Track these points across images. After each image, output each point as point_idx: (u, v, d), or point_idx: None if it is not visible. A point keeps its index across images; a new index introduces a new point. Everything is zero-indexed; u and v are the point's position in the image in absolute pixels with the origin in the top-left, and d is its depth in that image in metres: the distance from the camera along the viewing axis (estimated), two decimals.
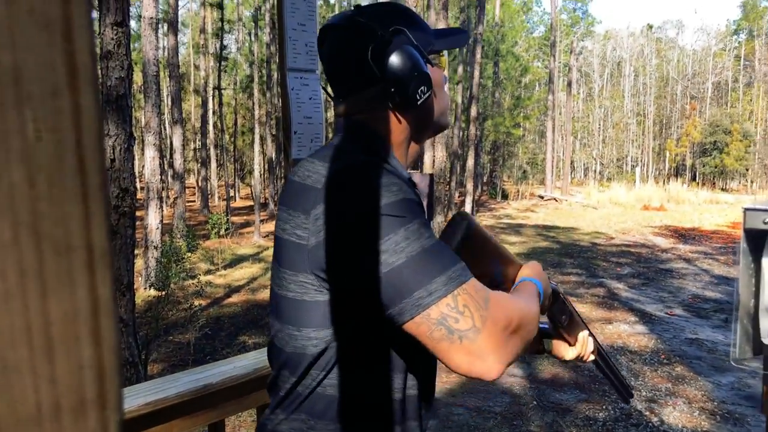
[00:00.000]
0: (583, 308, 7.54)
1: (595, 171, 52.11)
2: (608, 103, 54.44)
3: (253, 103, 19.62)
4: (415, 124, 1.05)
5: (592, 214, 20.24)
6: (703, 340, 6.23)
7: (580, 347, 1.31)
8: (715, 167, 42.80)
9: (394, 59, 0.98)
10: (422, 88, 0.99)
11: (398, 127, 1.03)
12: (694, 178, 45.70)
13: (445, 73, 1.13)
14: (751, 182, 43.75)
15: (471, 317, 0.82)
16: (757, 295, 1.09)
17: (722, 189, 41.41)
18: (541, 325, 1.33)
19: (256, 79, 19.97)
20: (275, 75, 21.71)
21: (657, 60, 57.13)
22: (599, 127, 53.18)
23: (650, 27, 61.06)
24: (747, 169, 43.45)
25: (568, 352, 1.32)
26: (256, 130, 18.59)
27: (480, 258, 1.14)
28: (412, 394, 1.00)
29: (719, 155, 42.31)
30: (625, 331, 6.54)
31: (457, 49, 25.83)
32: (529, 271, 1.15)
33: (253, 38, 22.54)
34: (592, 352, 1.34)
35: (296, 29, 1.65)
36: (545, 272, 1.19)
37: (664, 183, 36.14)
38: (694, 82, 55.48)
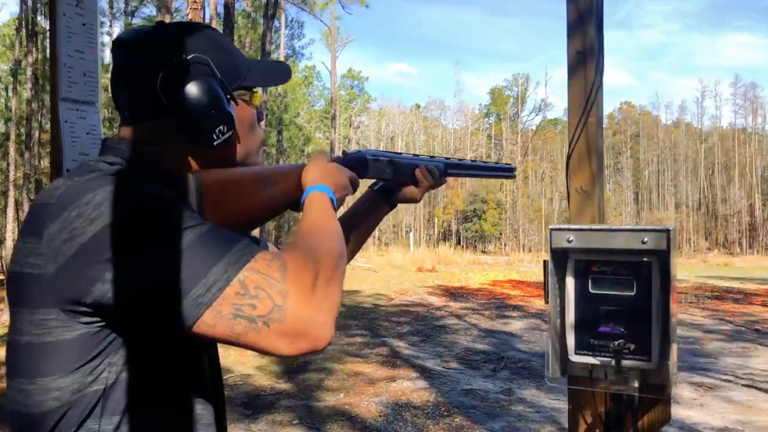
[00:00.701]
0: (368, 368, 7.68)
1: (374, 236, 54.96)
2: None
3: (8, 164, 17.35)
4: (213, 165, 0.94)
5: (373, 276, 21.10)
6: (476, 390, 6.69)
7: (423, 181, 1.27)
8: (476, 232, 48.17)
9: (188, 93, 0.85)
10: (221, 127, 0.88)
11: (192, 167, 0.92)
12: (459, 242, 50.48)
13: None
14: (505, 245, 49.65)
15: (268, 297, 0.72)
16: (563, 314, 1.16)
17: (482, 251, 46.40)
18: (375, 188, 1.31)
19: (12, 138, 17.73)
20: (36, 133, 19.57)
21: (424, 136, 63.11)
22: None
23: (418, 106, 67.63)
24: (501, 234, 49.48)
25: (416, 194, 1.29)
26: (11, 194, 16.39)
27: (240, 195, 1.00)
28: None
29: (479, 221, 47.74)
30: (408, 388, 6.77)
31: None
32: (313, 174, 1.01)
33: (11, 93, 20.17)
34: (443, 175, 1.32)
35: (72, 56, 1.47)
36: (332, 164, 1.06)
37: (434, 246, 39.30)
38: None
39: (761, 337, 9.74)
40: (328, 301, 0.76)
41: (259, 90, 1.01)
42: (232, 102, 0.91)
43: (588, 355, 1.13)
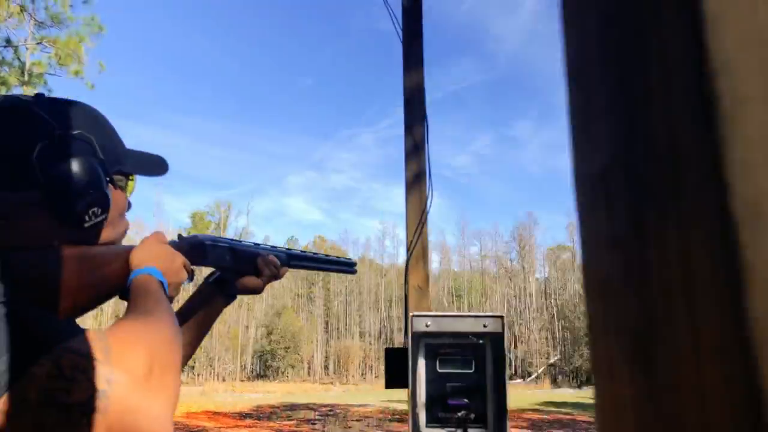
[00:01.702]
0: None
1: None
2: None
3: None
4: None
5: None
6: None
7: (266, 271, 1.21)
8: None
9: (68, 168, 0.81)
10: (95, 209, 0.84)
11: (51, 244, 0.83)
12: None
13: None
14: (198, 375, 47.23)
15: (88, 380, 0.60)
16: (414, 393, 1.27)
17: None
18: (209, 279, 1.20)
19: None
20: None
21: None
22: None
23: None
24: (195, 362, 47.08)
25: (258, 284, 1.21)
26: None
27: (64, 278, 0.85)
28: None
29: None
30: None
31: None
32: (141, 256, 0.91)
33: None
34: (285, 265, 1.26)
35: None
36: (164, 246, 0.96)
37: None
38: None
39: None
40: (165, 392, 0.67)
41: (135, 178, 1.00)
42: (110, 185, 0.89)
43: (437, 427, 1.27)
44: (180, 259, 0.99)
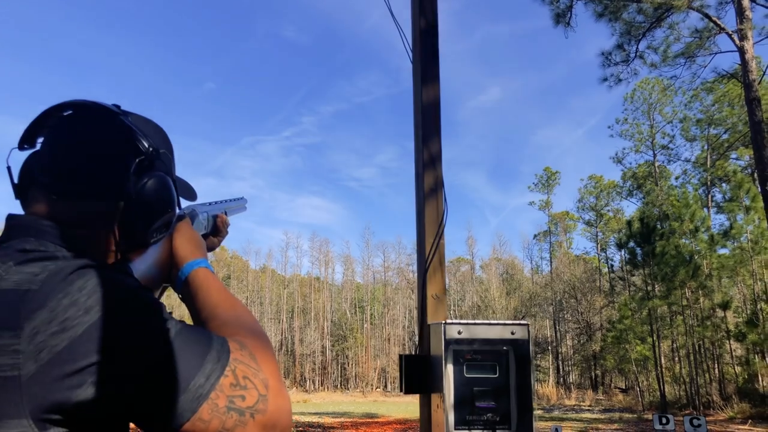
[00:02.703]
0: None
1: None
2: None
3: None
4: (124, 258, 0.87)
5: None
6: None
7: (224, 230, 1.17)
8: None
9: (157, 186, 0.82)
10: (162, 228, 0.86)
11: (112, 256, 0.83)
12: None
13: None
14: None
15: (254, 386, 0.69)
16: (445, 396, 1.32)
17: None
18: None
19: None
20: None
21: None
22: None
23: None
24: None
25: (216, 243, 1.17)
26: None
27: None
28: None
29: None
30: None
31: None
32: (188, 246, 0.92)
33: None
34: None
35: None
36: (195, 232, 0.98)
37: None
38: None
39: None
40: (286, 389, 0.74)
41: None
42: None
43: (465, 429, 1.32)
44: (203, 241, 1.00)
